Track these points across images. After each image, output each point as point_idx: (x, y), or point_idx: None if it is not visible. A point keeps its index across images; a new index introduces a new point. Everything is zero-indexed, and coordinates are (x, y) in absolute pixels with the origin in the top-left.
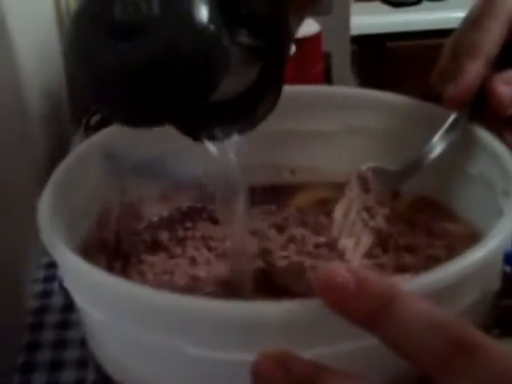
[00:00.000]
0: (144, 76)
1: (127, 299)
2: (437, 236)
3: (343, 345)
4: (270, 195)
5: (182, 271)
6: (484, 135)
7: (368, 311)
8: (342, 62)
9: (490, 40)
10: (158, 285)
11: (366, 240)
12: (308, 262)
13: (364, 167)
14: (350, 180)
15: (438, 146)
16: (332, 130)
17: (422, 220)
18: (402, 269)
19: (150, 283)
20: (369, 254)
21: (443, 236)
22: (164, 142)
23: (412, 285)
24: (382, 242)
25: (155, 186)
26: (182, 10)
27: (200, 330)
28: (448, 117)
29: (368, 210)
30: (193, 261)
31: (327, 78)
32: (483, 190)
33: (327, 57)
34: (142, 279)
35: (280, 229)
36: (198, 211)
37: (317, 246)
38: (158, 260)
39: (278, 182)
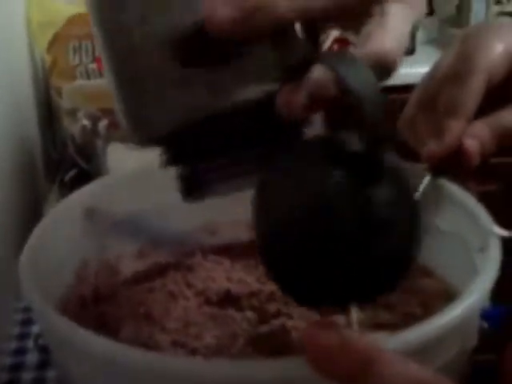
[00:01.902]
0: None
1: (111, 358)
2: (412, 293)
3: None
4: (249, 250)
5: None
6: (457, 192)
7: (349, 372)
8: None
9: (472, 98)
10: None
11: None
12: (290, 323)
13: None
14: None
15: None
16: None
17: None
18: (379, 326)
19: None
20: (346, 311)
21: (418, 292)
22: (143, 200)
23: (392, 343)
24: None
25: (133, 242)
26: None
27: None
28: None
29: None
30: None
31: None
32: (458, 246)
33: None
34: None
35: (262, 283)
36: (174, 265)
37: None
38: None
39: (253, 238)
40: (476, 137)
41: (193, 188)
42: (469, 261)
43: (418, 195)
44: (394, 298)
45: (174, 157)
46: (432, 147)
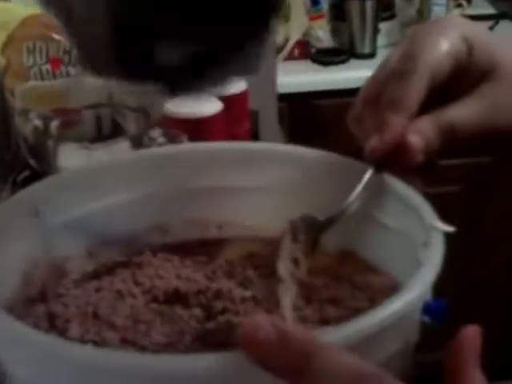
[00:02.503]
0: None
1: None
2: (359, 288)
3: None
4: (200, 248)
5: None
6: (401, 188)
7: (289, 365)
8: (269, 119)
9: (414, 96)
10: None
11: (293, 293)
12: (235, 319)
13: (296, 217)
14: (284, 230)
15: (358, 197)
16: (257, 185)
17: (345, 273)
18: (325, 321)
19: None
20: (293, 306)
21: (365, 288)
22: (91, 199)
23: (332, 337)
24: (306, 295)
25: (81, 242)
26: None
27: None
28: (364, 168)
29: (295, 260)
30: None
31: (255, 136)
32: (403, 242)
33: (254, 115)
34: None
35: (210, 280)
36: (123, 264)
37: (243, 300)
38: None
39: (206, 237)
40: (419, 133)
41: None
42: (413, 256)
43: (359, 189)
44: (340, 293)
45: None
46: (373, 142)
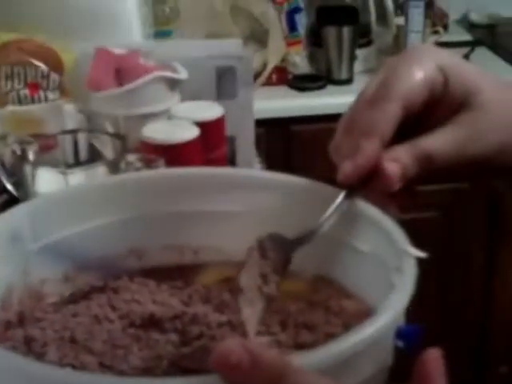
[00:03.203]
0: None
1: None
2: (334, 314)
3: None
4: (176, 273)
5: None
6: (375, 213)
7: None
8: (246, 145)
9: (386, 121)
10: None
11: (259, 307)
12: (211, 344)
13: (264, 234)
14: (252, 247)
15: (330, 218)
16: (234, 210)
17: (320, 298)
18: (300, 346)
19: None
20: (268, 331)
21: (340, 313)
22: (67, 223)
23: (305, 361)
24: (282, 320)
25: (58, 267)
26: None
27: None
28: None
29: (263, 276)
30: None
31: (231, 161)
32: (376, 267)
33: (231, 140)
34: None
35: (186, 305)
36: (99, 289)
37: (219, 325)
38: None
39: (182, 261)
40: (396, 160)
41: None
42: (387, 281)
43: (330, 211)
44: (315, 318)
45: None
46: (345, 167)
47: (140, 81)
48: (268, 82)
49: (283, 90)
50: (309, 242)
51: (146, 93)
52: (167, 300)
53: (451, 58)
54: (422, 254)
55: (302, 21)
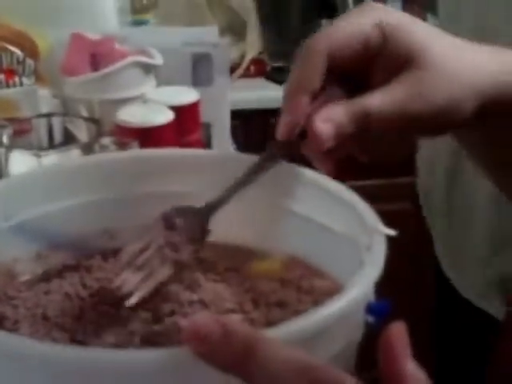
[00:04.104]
0: None
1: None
2: (305, 292)
3: None
4: None
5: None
6: (346, 194)
7: (233, 356)
8: (221, 132)
9: (309, 73)
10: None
11: (164, 273)
12: (182, 321)
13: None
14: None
15: (246, 181)
16: (205, 190)
17: (292, 278)
18: (271, 324)
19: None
20: (240, 310)
21: (311, 292)
22: (39, 203)
23: (273, 334)
24: (254, 298)
25: (30, 246)
26: None
27: (74, 379)
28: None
29: (171, 245)
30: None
31: (207, 148)
32: (348, 246)
33: (207, 127)
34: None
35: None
36: (72, 267)
37: (190, 303)
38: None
39: None
40: (328, 118)
41: None
42: (358, 260)
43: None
44: (287, 297)
45: None
46: (278, 127)
47: (115, 66)
48: (246, 74)
49: (261, 81)
50: (222, 205)
51: (121, 78)
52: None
53: (397, 18)
54: (391, 232)
55: None
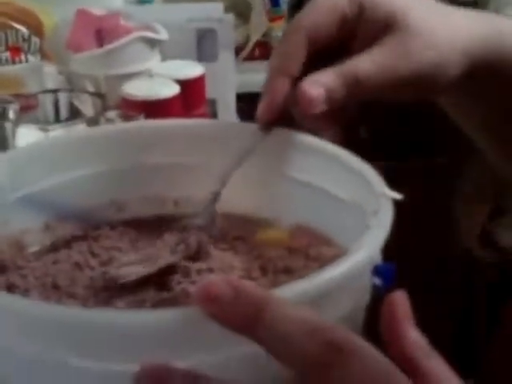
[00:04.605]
0: None
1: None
2: (312, 259)
3: (225, 351)
4: (156, 224)
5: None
6: (352, 159)
7: (244, 317)
8: (227, 108)
9: (291, 55)
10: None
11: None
12: (192, 288)
13: None
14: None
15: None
16: (213, 161)
17: (299, 246)
18: None
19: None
20: (249, 277)
21: (318, 259)
22: (47, 175)
23: (283, 293)
24: (262, 265)
25: (38, 217)
26: None
27: (81, 339)
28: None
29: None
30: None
31: None
32: (355, 213)
33: (212, 103)
34: (24, 281)
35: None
36: (80, 238)
37: (199, 271)
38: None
39: (162, 213)
40: (319, 83)
41: None
42: (366, 226)
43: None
44: (294, 264)
45: None
46: (259, 108)
47: (120, 41)
48: (250, 57)
49: (265, 64)
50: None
51: (126, 53)
52: (147, 247)
53: None
54: (397, 196)
55: None
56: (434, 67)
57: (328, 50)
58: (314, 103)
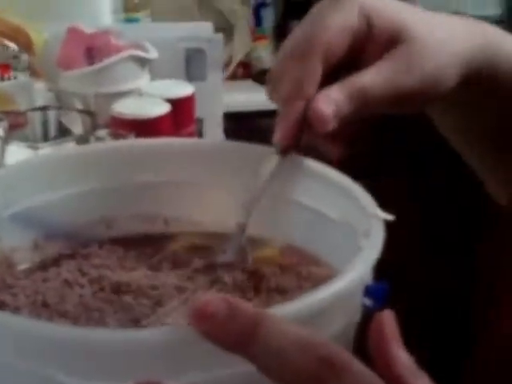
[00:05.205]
0: None
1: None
2: (304, 278)
3: (218, 370)
4: (146, 242)
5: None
6: (343, 180)
7: (238, 335)
8: (214, 127)
9: (308, 81)
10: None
11: None
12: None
13: None
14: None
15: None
16: (203, 180)
17: (291, 264)
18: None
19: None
20: (242, 296)
21: (309, 279)
22: (37, 192)
23: (277, 312)
24: (255, 284)
25: (28, 235)
26: None
27: (72, 357)
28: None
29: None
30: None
31: None
32: (346, 233)
33: (199, 122)
34: (14, 299)
35: (155, 270)
36: (69, 256)
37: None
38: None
39: (152, 231)
40: (329, 100)
41: None
42: (356, 247)
43: (266, 175)
44: (287, 283)
45: None
46: (276, 134)
47: (111, 59)
48: (233, 76)
49: (248, 84)
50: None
51: (116, 71)
52: (135, 266)
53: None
54: (389, 217)
55: (269, 15)
56: (434, 79)
57: (338, 66)
58: (327, 121)
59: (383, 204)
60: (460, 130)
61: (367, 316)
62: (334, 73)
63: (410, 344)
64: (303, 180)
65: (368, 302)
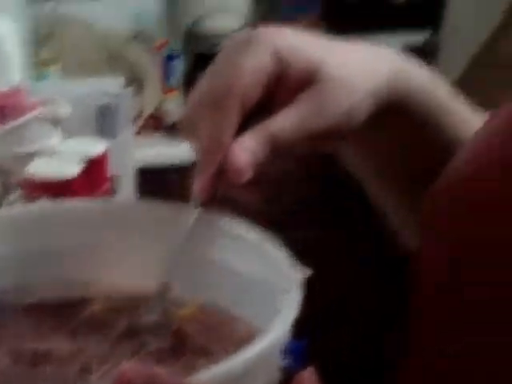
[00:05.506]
0: None
1: None
2: (226, 338)
3: None
4: (64, 307)
5: None
6: (260, 238)
7: None
8: (126, 184)
9: (226, 133)
10: None
11: None
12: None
13: None
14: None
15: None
16: (121, 244)
17: (212, 322)
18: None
19: None
20: (167, 359)
21: (231, 338)
22: None
23: (199, 377)
24: (180, 344)
25: None
26: None
27: None
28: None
29: None
30: None
31: None
32: (265, 292)
33: (112, 180)
34: None
35: (73, 335)
36: None
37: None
38: None
39: (70, 296)
40: (246, 150)
41: None
42: (275, 304)
43: (185, 232)
44: (209, 344)
45: None
46: (196, 186)
47: (20, 119)
48: (143, 130)
49: (158, 137)
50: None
51: (29, 130)
52: (52, 334)
53: (291, 38)
54: (306, 273)
55: (178, 67)
56: (348, 116)
57: (253, 109)
58: (243, 172)
59: (308, 254)
60: (367, 161)
61: (288, 375)
62: (249, 115)
63: None
64: (221, 240)
65: (285, 362)
